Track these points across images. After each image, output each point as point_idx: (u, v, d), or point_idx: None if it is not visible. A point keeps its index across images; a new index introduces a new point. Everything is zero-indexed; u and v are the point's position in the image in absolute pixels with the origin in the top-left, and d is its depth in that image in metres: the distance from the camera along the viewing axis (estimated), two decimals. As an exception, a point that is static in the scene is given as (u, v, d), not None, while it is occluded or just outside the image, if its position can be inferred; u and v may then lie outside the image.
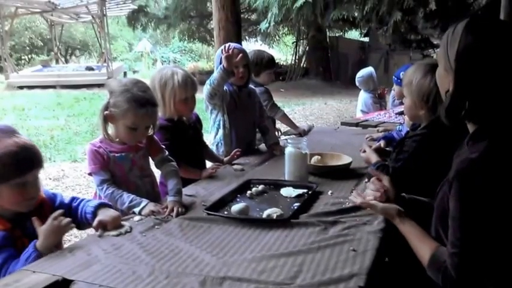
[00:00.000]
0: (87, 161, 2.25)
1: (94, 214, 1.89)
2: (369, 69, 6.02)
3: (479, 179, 1.37)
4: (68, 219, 1.74)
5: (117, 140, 2.27)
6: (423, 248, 1.58)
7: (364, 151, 2.72)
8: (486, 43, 1.40)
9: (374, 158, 2.59)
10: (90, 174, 2.24)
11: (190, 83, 2.74)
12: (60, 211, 1.76)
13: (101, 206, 1.95)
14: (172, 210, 2.06)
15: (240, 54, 3.13)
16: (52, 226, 1.71)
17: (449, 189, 1.44)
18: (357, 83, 6.04)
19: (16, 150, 1.68)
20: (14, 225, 1.75)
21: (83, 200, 2.01)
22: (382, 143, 3.03)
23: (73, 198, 2.01)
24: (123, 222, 1.90)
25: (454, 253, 1.41)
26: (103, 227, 1.83)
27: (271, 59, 4.06)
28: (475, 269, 1.40)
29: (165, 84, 2.69)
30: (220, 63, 3.07)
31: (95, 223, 1.83)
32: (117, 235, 1.78)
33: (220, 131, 3.28)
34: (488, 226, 1.37)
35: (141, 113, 2.18)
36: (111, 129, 2.27)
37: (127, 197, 2.13)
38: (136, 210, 2.07)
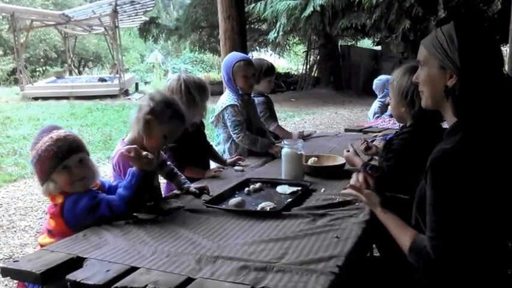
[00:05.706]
0: (121, 170, 2.27)
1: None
2: (388, 76, 6.05)
3: (451, 166, 1.51)
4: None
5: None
6: (404, 235, 1.69)
7: (348, 150, 2.83)
8: (480, 40, 1.59)
9: (358, 160, 2.71)
10: None
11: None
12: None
13: None
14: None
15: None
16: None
17: (426, 177, 1.58)
18: (374, 86, 6.05)
19: (52, 143, 2.01)
20: None
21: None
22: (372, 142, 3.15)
23: (119, 182, 2.21)
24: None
25: (432, 236, 1.54)
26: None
27: (270, 66, 4.15)
28: (452, 250, 1.51)
29: (199, 88, 2.90)
30: (229, 78, 3.39)
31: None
32: (126, 223, 1.98)
33: (227, 144, 3.49)
34: (461, 210, 1.50)
35: (180, 126, 2.38)
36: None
37: None
38: None
